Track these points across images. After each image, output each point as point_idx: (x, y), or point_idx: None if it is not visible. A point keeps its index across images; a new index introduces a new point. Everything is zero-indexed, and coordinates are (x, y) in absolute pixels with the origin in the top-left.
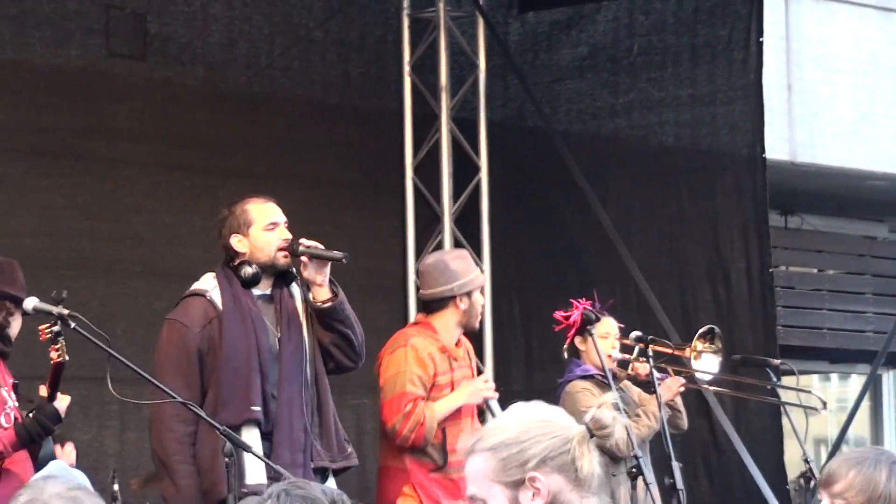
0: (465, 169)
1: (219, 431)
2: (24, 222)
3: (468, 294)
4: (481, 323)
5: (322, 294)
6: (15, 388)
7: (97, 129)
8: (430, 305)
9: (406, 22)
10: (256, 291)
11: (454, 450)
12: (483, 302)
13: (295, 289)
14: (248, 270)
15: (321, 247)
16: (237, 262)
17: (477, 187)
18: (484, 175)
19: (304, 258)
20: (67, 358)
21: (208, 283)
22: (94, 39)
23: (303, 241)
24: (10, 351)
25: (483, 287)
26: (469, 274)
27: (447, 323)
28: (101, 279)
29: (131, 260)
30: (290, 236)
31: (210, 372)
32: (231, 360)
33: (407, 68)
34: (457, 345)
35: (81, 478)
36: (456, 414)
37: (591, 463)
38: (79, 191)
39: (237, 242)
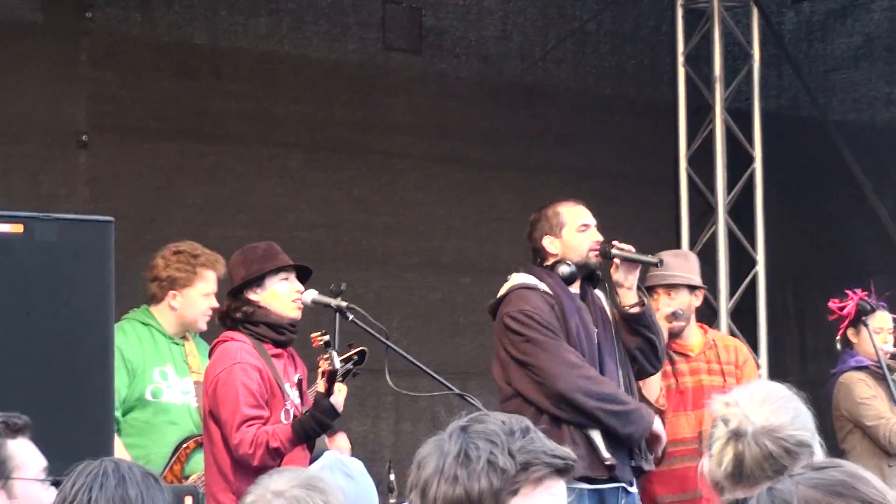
0: (738, 160)
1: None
2: (302, 215)
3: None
4: (756, 314)
5: (629, 298)
6: (299, 384)
7: (373, 123)
8: None
9: (680, 12)
10: (571, 290)
11: (676, 440)
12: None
13: (599, 293)
14: (566, 269)
15: (633, 250)
16: (551, 262)
17: (751, 178)
18: (758, 166)
19: (616, 261)
20: (339, 366)
21: (531, 280)
22: (370, 33)
23: (616, 243)
24: (289, 338)
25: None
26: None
27: None
28: (376, 271)
29: (406, 252)
30: (601, 238)
31: None
32: (578, 346)
33: (681, 59)
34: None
35: (358, 466)
36: (679, 402)
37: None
38: (355, 184)
39: (549, 244)
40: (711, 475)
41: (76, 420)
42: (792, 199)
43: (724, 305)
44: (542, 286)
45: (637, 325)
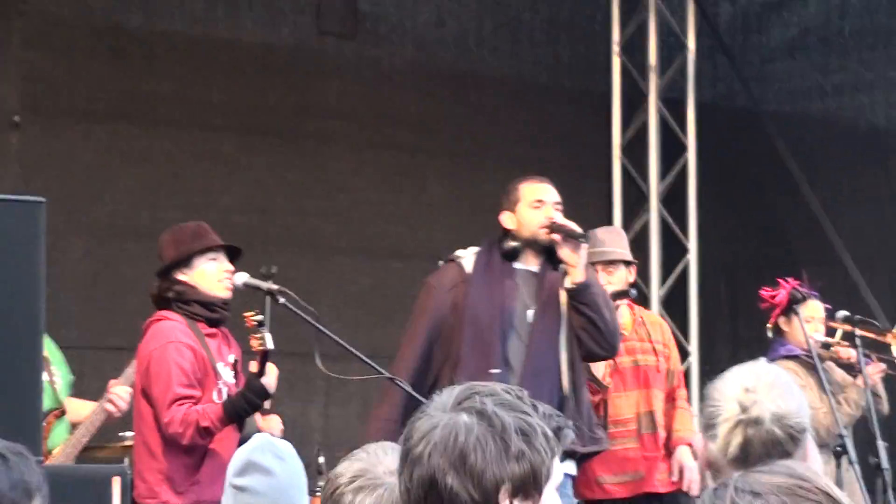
0: (672, 149)
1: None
2: (234, 199)
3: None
4: (687, 302)
5: (577, 276)
6: (234, 364)
7: (307, 108)
8: None
9: (616, 2)
10: (521, 266)
11: (617, 421)
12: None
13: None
14: (508, 244)
15: (572, 224)
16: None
17: (684, 168)
18: (692, 155)
19: (557, 237)
20: (271, 347)
21: (466, 252)
22: (305, 18)
23: (556, 217)
24: (222, 316)
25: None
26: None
27: None
28: (308, 256)
29: (338, 237)
30: (556, 215)
31: (449, 334)
32: (473, 323)
33: (616, 48)
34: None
35: (288, 448)
36: (619, 383)
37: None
38: (288, 168)
39: (506, 219)
40: (713, 457)
41: (3, 397)
42: (725, 188)
43: (656, 293)
44: (465, 261)
45: (575, 302)
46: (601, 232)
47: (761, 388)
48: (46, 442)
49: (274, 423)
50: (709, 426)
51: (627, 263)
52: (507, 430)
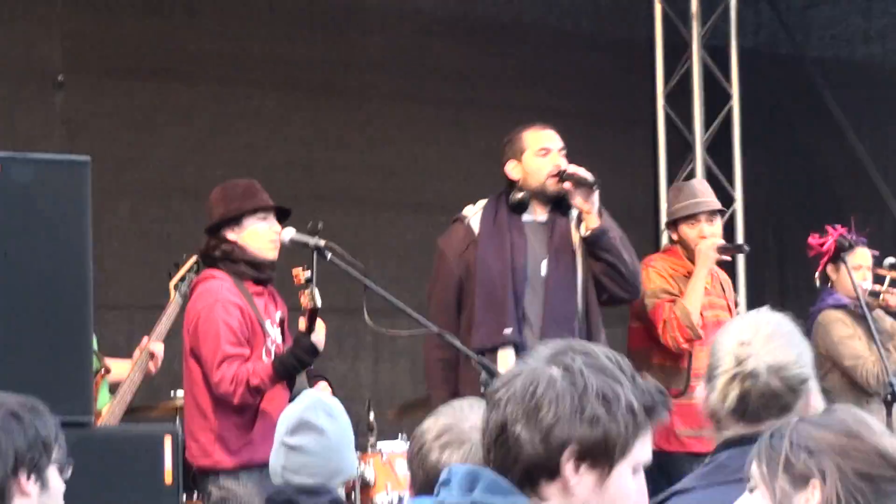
0: (716, 97)
1: (473, 360)
2: (278, 155)
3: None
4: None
5: (592, 222)
6: (281, 322)
7: (348, 62)
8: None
9: None
10: (529, 218)
11: (699, 374)
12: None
13: (575, 218)
14: (516, 196)
15: (582, 171)
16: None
17: (728, 115)
18: (735, 103)
19: (568, 185)
20: (319, 304)
21: (473, 209)
22: None
23: (566, 165)
24: (269, 276)
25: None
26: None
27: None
28: (353, 211)
29: (383, 191)
30: (563, 162)
31: (467, 296)
32: (485, 283)
33: None
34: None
35: (337, 405)
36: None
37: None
38: (331, 123)
39: (512, 169)
40: (712, 408)
41: (55, 359)
42: (770, 136)
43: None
44: (472, 220)
45: (595, 249)
46: (696, 182)
47: (758, 341)
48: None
49: (324, 390)
50: (709, 378)
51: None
52: (588, 392)
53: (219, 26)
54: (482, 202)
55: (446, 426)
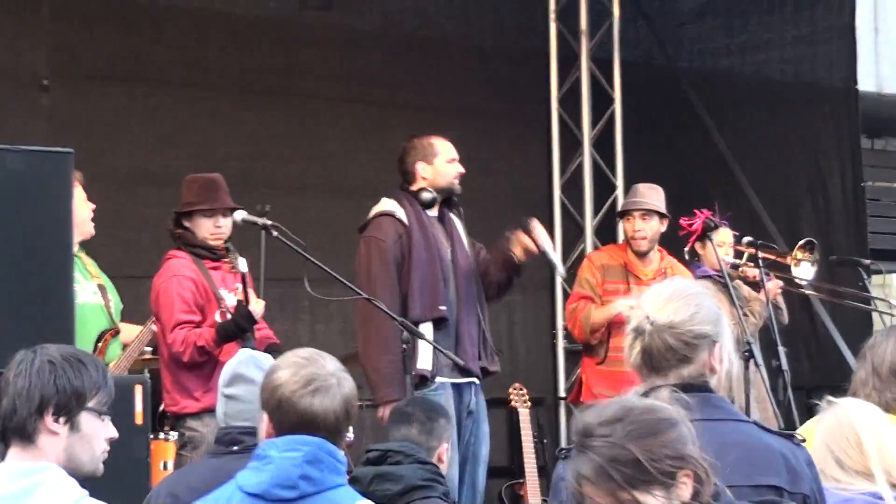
0: (601, 102)
1: (397, 322)
2: (231, 148)
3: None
4: (615, 232)
5: (522, 258)
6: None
7: (291, 71)
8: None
9: None
10: (432, 213)
11: (618, 347)
12: None
13: (455, 217)
14: (427, 195)
15: (550, 245)
16: (416, 187)
17: (612, 117)
18: (618, 106)
19: (531, 246)
20: (243, 269)
21: (392, 206)
22: None
23: (535, 225)
24: (220, 255)
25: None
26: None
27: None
28: (295, 196)
29: (320, 179)
30: (463, 170)
31: (403, 277)
32: (419, 268)
33: (552, 16)
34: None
35: (269, 360)
36: None
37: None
38: (277, 122)
39: (422, 169)
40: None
41: (41, 320)
42: (647, 134)
43: (589, 224)
44: (399, 214)
45: (511, 272)
46: (643, 187)
47: (657, 302)
48: (104, 357)
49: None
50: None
51: (661, 216)
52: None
53: (182, 38)
54: (390, 201)
55: (312, 374)
